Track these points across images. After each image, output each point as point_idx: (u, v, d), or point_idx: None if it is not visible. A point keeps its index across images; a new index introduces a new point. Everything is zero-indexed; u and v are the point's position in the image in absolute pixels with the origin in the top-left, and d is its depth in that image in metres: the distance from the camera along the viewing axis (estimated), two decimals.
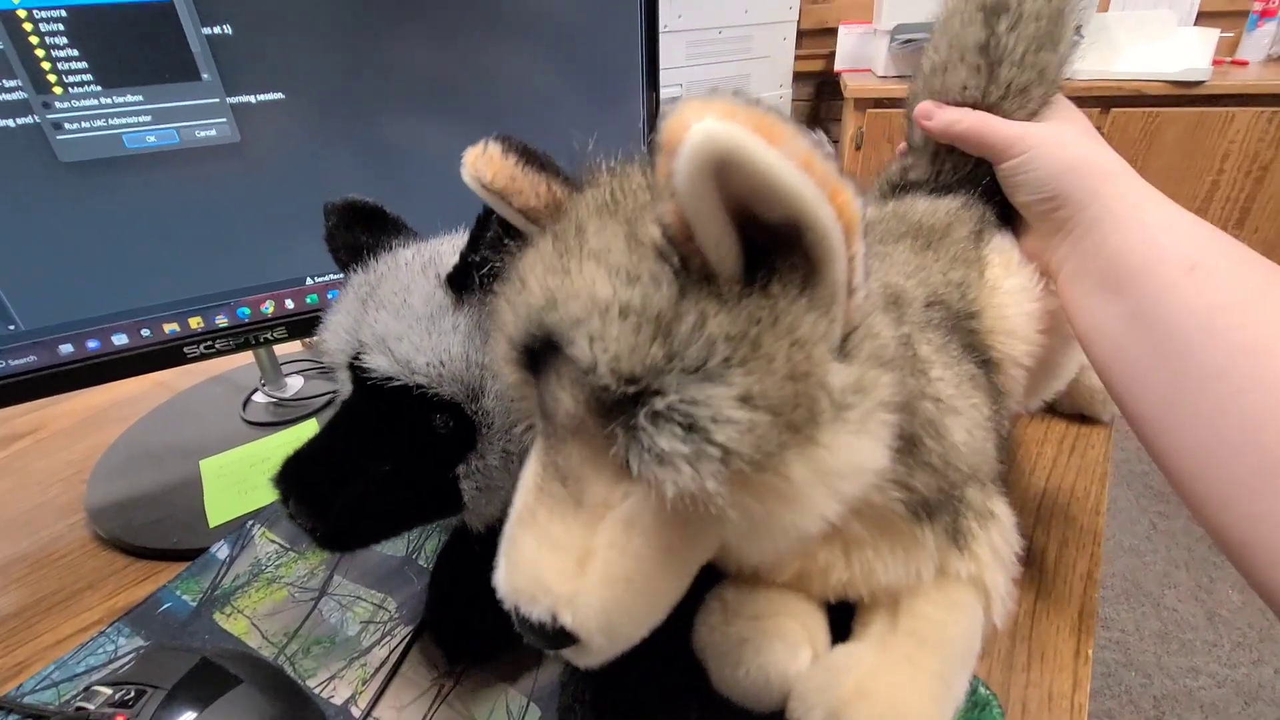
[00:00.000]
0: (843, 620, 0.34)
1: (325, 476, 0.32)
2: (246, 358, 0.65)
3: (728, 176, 0.17)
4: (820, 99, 2.34)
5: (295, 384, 0.65)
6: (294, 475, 0.33)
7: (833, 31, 1.99)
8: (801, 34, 1.91)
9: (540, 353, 0.23)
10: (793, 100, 2.05)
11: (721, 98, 0.17)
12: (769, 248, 0.20)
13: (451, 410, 0.33)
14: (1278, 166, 1.57)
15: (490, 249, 0.32)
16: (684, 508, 0.21)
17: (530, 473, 0.24)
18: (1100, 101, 1.57)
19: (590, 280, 0.20)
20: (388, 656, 0.39)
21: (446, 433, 0.34)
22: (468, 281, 0.33)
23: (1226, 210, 1.63)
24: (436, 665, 0.39)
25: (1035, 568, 0.43)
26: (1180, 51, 1.57)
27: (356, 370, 0.34)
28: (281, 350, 0.66)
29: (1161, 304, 0.31)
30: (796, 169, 0.17)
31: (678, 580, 0.25)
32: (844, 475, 0.21)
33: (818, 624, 0.33)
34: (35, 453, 0.61)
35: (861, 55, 1.91)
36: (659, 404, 0.19)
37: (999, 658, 0.38)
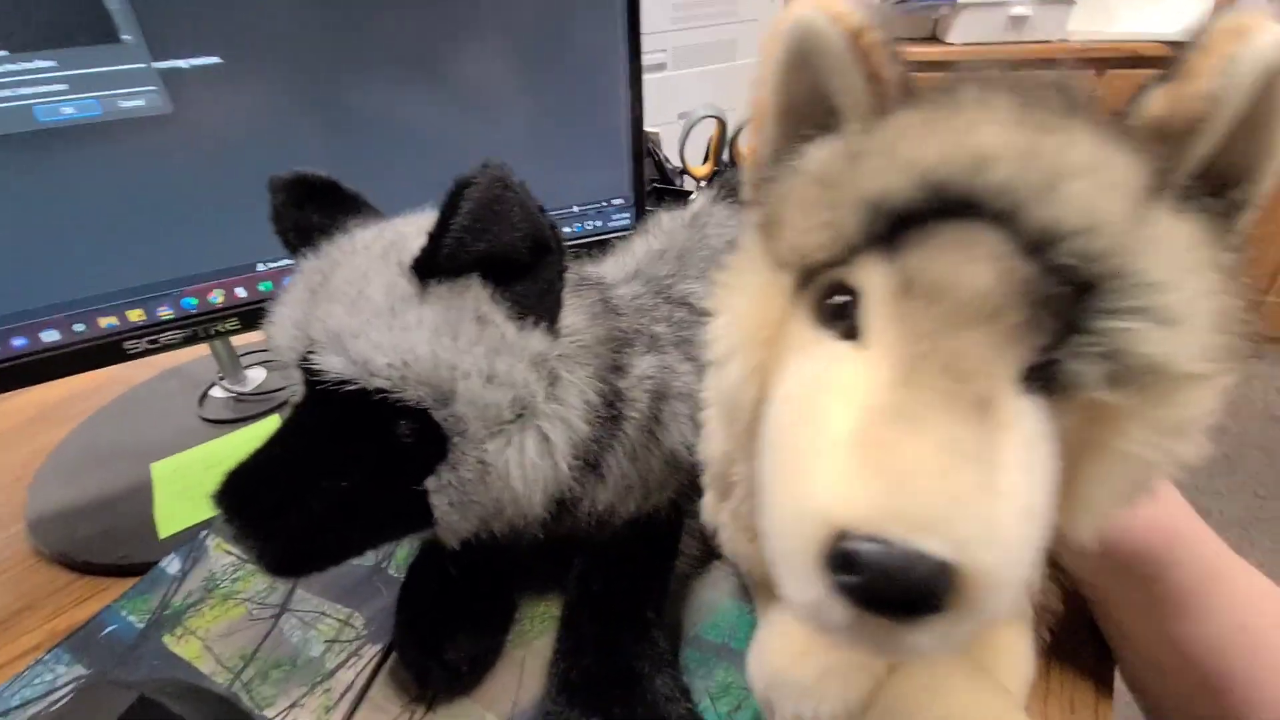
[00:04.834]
0: None
1: (272, 495, 0.29)
2: (204, 349, 0.60)
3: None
4: None
5: (256, 377, 0.61)
6: (236, 493, 0.29)
7: None
8: None
9: (916, 219, 0.18)
10: None
11: None
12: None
13: (417, 417, 0.29)
14: None
15: (464, 229, 0.28)
16: (1075, 418, 0.18)
17: (858, 373, 0.18)
18: (1095, 63, 1.52)
19: (1081, 146, 0.17)
20: (354, 680, 0.36)
21: (413, 442, 0.30)
22: (436, 268, 0.29)
23: None
24: (407, 689, 0.36)
25: None
26: (1178, 11, 1.53)
27: (307, 371, 0.30)
28: (240, 341, 0.61)
29: None
30: None
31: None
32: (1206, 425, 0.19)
33: None
34: None
35: None
36: (1129, 283, 0.17)
37: None
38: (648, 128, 0.78)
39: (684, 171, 0.81)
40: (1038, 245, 0.17)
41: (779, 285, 0.22)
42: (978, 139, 0.17)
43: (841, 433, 0.17)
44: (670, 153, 0.82)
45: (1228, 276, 0.18)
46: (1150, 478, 0.19)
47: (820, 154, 0.20)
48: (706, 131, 0.82)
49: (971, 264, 0.18)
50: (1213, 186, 0.18)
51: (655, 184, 0.80)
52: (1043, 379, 0.18)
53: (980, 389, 0.17)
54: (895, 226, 0.18)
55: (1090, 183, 0.17)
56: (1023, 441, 0.17)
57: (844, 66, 0.20)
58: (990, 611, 0.16)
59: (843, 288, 0.20)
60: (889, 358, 0.18)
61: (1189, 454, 0.19)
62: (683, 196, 0.77)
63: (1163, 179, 0.18)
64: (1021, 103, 0.18)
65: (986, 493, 0.16)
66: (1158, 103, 0.18)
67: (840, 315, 0.20)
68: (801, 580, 0.17)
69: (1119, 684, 0.35)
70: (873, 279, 0.19)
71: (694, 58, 1.67)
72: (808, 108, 0.21)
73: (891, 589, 0.16)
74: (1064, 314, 0.17)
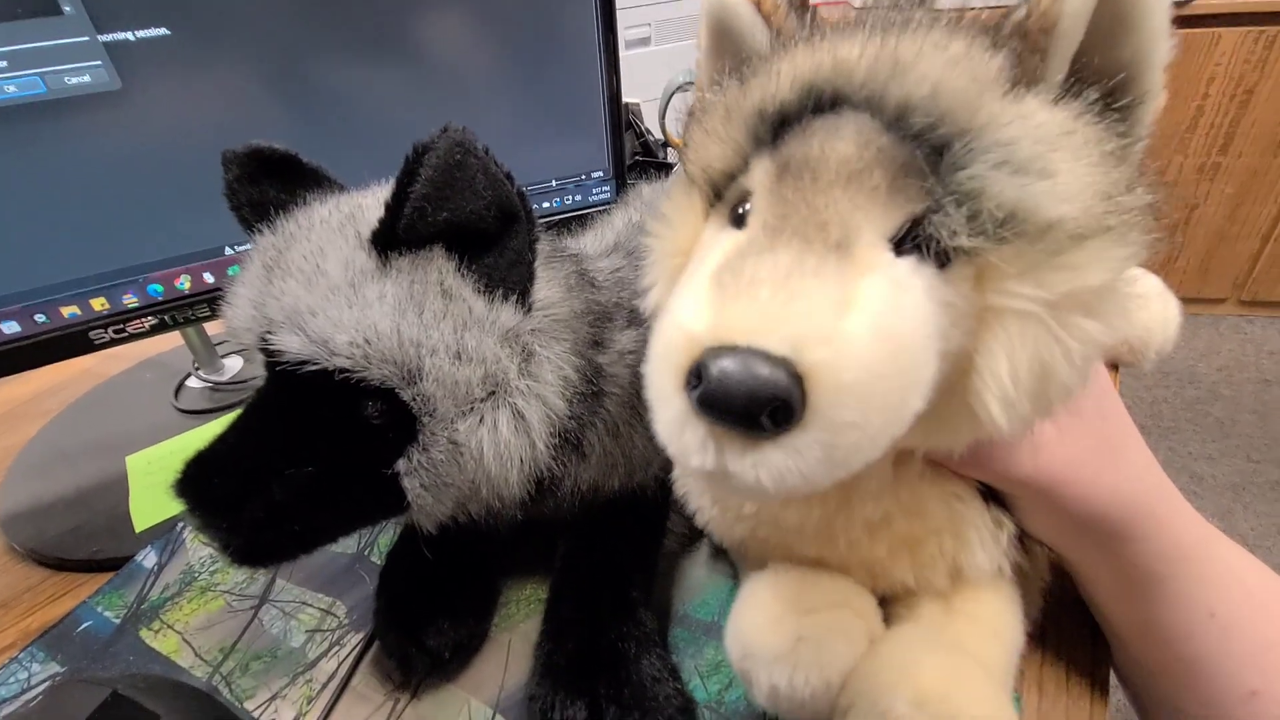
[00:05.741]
0: None
1: (234, 482, 0.28)
2: (179, 339, 0.58)
3: None
4: None
5: (234, 365, 0.60)
6: (197, 483, 0.28)
7: None
8: None
9: (795, 119, 0.21)
10: None
11: None
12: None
13: (384, 397, 0.28)
14: (1262, 90, 1.52)
15: (424, 197, 0.26)
16: (964, 288, 0.19)
17: (734, 235, 0.21)
18: None
19: (926, 41, 0.20)
20: (336, 669, 0.35)
21: (380, 424, 0.29)
22: (396, 240, 0.28)
23: (1211, 137, 1.58)
24: (391, 677, 0.35)
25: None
26: None
27: (267, 353, 0.29)
28: (216, 329, 0.60)
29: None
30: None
31: (925, 386, 0.19)
32: (1124, 310, 0.20)
33: (876, 618, 0.29)
34: None
35: None
36: (982, 142, 0.18)
37: None
38: (633, 100, 0.76)
39: (666, 143, 0.79)
40: (896, 120, 0.19)
41: (694, 204, 0.25)
42: (839, 50, 0.20)
43: (706, 274, 0.19)
44: (653, 125, 0.80)
45: (1112, 156, 0.19)
46: (1062, 358, 0.19)
47: (723, 89, 0.23)
48: (688, 102, 0.80)
49: (836, 140, 0.20)
50: (1107, 87, 0.20)
51: (638, 157, 0.78)
52: (918, 244, 0.19)
53: (839, 236, 0.19)
54: (779, 129, 0.21)
55: (934, 61, 0.19)
56: (885, 282, 0.18)
57: (753, 29, 0.24)
58: (840, 424, 0.17)
59: (746, 194, 0.22)
60: (758, 220, 0.21)
61: (1097, 333, 0.19)
62: (666, 168, 0.75)
63: (1031, 73, 0.19)
64: (880, 24, 0.21)
65: (830, 302, 0.17)
66: (1020, 10, 0.20)
67: (744, 220, 0.22)
68: (664, 403, 0.19)
69: None
70: (759, 174, 0.21)
71: (678, 31, 1.64)
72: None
73: (734, 390, 0.17)
74: (930, 183, 0.19)
